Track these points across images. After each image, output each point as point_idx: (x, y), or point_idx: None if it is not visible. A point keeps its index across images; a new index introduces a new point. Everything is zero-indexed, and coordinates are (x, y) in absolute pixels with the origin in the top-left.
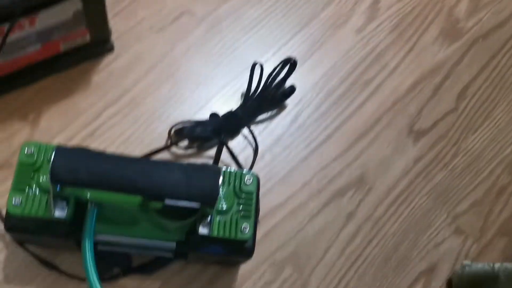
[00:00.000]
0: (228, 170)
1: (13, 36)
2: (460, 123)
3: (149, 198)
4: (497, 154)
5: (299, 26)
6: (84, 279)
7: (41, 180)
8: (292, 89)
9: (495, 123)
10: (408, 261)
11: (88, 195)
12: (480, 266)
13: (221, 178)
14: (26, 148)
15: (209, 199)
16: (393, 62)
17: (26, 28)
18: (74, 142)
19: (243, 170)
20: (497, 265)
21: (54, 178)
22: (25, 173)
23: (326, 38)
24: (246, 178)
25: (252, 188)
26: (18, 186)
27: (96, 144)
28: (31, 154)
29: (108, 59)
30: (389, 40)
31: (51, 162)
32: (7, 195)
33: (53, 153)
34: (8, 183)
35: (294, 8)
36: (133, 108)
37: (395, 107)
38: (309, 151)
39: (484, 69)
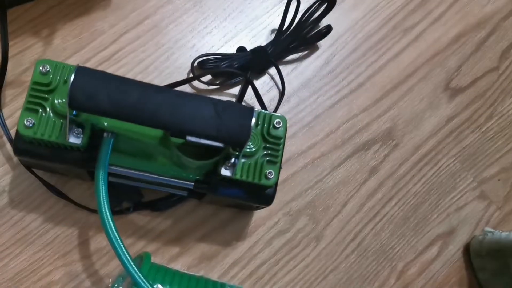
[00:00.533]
0: (258, 111)
1: None
2: (499, 84)
3: (174, 134)
4: None
5: None
6: (93, 210)
7: (56, 102)
8: (328, 29)
9: None
10: (427, 222)
11: (106, 124)
12: (505, 235)
13: (253, 120)
14: (41, 66)
15: (239, 141)
16: (438, 10)
17: None
18: (89, 65)
19: (272, 113)
20: None
21: (73, 102)
22: (39, 93)
23: None
24: (275, 122)
25: (281, 133)
26: (31, 107)
27: (112, 70)
28: (47, 73)
29: None
30: None
31: (70, 85)
32: (16, 115)
33: (73, 74)
34: (18, 102)
35: None
36: (154, 34)
37: (434, 60)
38: (338, 99)
39: None
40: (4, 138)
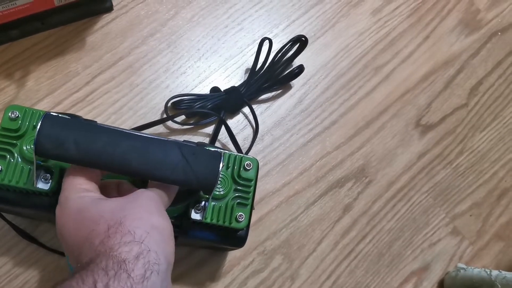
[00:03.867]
0: (228, 153)
1: None
2: (469, 120)
3: (143, 179)
4: (502, 155)
5: (312, 1)
6: (64, 253)
7: (24, 148)
8: (300, 69)
9: (504, 123)
10: (401, 259)
11: None
12: (477, 271)
13: (221, 164)
14: (11, 112)
15: (208, 185)
16: (407, 49)
17: None
18: (62, 107)
19: (243, 155)
20: (494, 273)
21: (40, 150)
22: (7, 139)
23: (340, 17)
24: (246, 164)
25: (252, 175)
26: None
27: (86, 111)
28: (16, 119)
29: (105, 19)
30: (405, 25)
31: (37, 132)
32: None
33: (40, 122)
34: None
35: None
36: (129, 75)
37: (404, 97)
38: (311, 137)
39: (499, 65)
40: None
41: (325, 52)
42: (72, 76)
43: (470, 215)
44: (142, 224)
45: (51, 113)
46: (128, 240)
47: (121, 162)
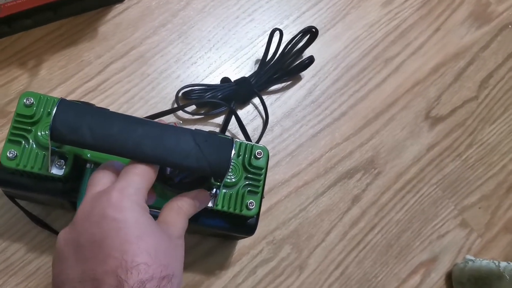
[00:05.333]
0: (239, 141)
1: None
2: (479, 113)
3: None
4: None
5: None
6: None
7: (39, 134)
8: (310, 60)
9: None
10: (409, 250)
11: (89, 155)
12: (485, 263)
13: (233, 151)
14: (25, 99)
15: (220, 172)
16: (417, 41)
17: None
18: (74, 96)
19: (254, 143)
20: (503, 264)
21: (55, 135)
22: (22, 125)
23: (351, 9)
24: (256, 152)
25: (262, 163)
26: (14, 138)
27: (98, 100)
28: (31, 105)
29: (117, 9)
30: (416, 17)
31: (52, 118)
32: (0, 145)
33: (56, 107)
34: (2, 133)
35: None
36: (140, 65)
37: (414, 89)
38: (320, 128)
39: (510, 58)
40: None
41: (335, 43)
42: (84, 66)
43: (479, 208)
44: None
45: (66, 99)
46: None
47: (135, 148)
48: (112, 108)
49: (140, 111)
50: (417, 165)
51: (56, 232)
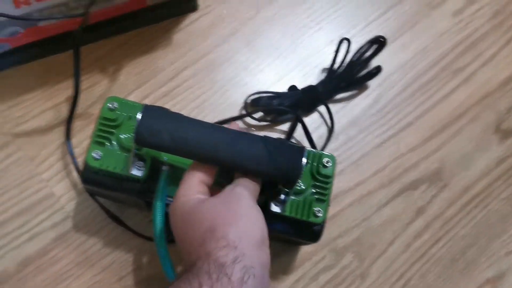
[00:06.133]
0: (308, 149)
1: None
2: None
3: (229, 169)
4: None
5: (391, 2)
6: (148, 237)
7: (121, 137)
8: (378, 70)
9: None
10: (475, 265)
11: (166, 158)
12: None
13: (304, 159)
14: (110, 103)
15: (291, 179)
16: (488, 52)
17: None
18: (148, 101)
19: (322, 152)
20: None
21: (139, 139)
22: (106, 128)
23: (420, 18)
24: (325, 160)
25: (330, 172)
26: (99, 140)
27: (170, 105)
28: (114, 110)
29: (190, 18)
30: (487, 27)
31: (138, 123)
32: (83, 145)
33: (141, 113)
34: (85, 133)
35: None
36: (210, 71)
37: (484, 101)
38: (385, 138)
39: None
40: (71, 166)
41: (402, 52)
42: (159, 72)
43: None
44: (232, 230)
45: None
46: (223, 244)
47: (210, 153)
48: (183, 113)
49: (209, 117)
50: (486, 179)
51: (130, 229)
